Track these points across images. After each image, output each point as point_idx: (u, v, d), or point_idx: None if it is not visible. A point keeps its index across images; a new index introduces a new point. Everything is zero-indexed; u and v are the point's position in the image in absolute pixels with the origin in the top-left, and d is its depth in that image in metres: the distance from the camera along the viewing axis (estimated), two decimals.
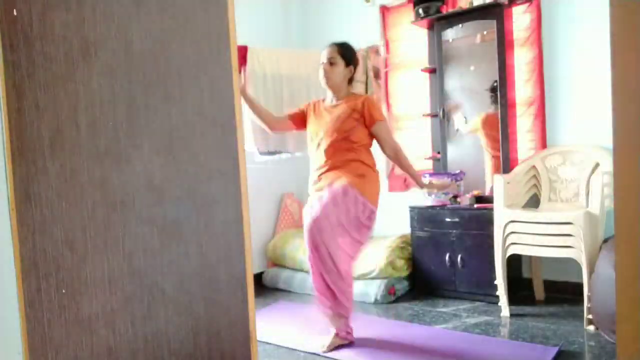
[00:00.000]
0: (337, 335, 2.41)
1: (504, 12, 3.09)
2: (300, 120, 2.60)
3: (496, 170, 3.19)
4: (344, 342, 2.42)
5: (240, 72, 2.36)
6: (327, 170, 2.38)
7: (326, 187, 2.33)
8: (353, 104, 2.38)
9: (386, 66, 3.76)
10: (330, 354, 2.35)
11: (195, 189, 1.43)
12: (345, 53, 2.42)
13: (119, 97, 1.26)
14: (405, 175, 3.60)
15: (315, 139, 2.44)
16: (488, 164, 3.29)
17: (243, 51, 3.15)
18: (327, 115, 2.42)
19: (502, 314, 2.79)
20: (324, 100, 2.55)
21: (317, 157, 2.44)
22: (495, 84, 3.17)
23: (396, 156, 2.42)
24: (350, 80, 2.49)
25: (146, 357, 1.32)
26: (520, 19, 3.15)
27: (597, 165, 2.77)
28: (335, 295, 2.29)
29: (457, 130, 3.39)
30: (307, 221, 2.26)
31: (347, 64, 2.43)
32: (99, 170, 1.22)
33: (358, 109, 2.35)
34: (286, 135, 3.38)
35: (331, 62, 2.39)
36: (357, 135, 2.35)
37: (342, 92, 2.45)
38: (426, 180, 2.95)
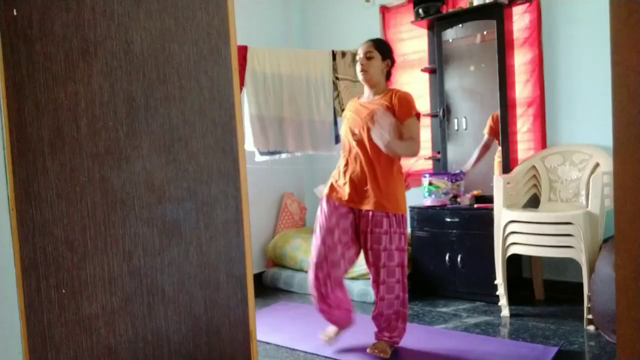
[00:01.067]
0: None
1: (504, 12, 3.09)
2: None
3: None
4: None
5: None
6: (353, 176, 2.33)
7: (353, 211, 2.35)
8: (388, 99, 2.32)
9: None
10: (330, 354, 2.35)
11: (195, 189, 1.43)
12: (381, 47, 2.38)
13: (119, 97, 1.26)
14: (405, 174, 3.60)
15: (349, 135, 2.37)
16: (496, 166, 3.26)
17: (243, 51, 3.15)
18: (364, 112, 2.35)
19: (502, 314, 2.79)
20: (359, 98, 2.49)
21: (351, 156, 2.37)
22: None
23: (412, 154, 2.33)
24: (388, 75, 2.44)
25: (146, 357, 1.32)
26: (520, 19, 3.15)
27: (597, 165, 2.78)
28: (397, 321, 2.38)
29: (457, 130, 3.39)
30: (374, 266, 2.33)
31: (384, 58, 2.38)
32: (99, 170, 1.22)
33: (393, 103, 2.29)
34: (286, 135, 3.38)
35: (368, 57, 2.34)
36: (394, 134, 2.26)
37: (380, 87, 2.39)
38: (422, 188, 2.98)
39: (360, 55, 2.38)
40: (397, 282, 2.31)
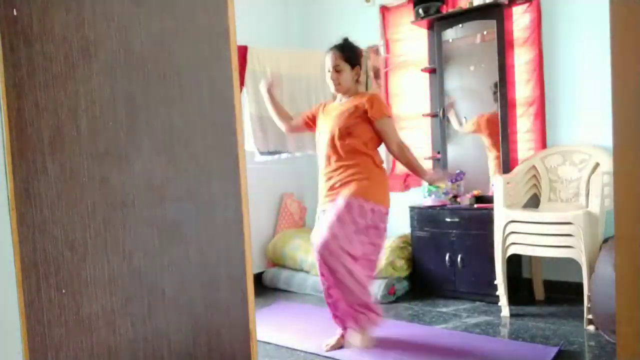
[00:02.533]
0: (342, 336, 2.44)
1: (504, 12, 3.09)
2: (312, 121, 2.61)
3: (498, 171, 3.19)
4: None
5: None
6: (333, 175, 2.37)
7: (329, 203, 2.34)
8: (359, 101, 2.37)
9: (386, 66, 3.76)
10: (330, 354, 2.35)
11: (195, 189, 1.43)
12: (348, 56, 2.40)
13: (119, 97, 1.26)
14: (405, 174, 3.61)
15: (322, 136, 2.43)
16: (491, 163, 3.29)
17: (243, 51, 3.15)
18: (333, 112, 2.43)
19: (502, 314, 2.79)
20: (333, 101, 2.58)
21: (323, 156, 2.42)
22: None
23: (401, 153, 2.37)
24: (358, 80, 2.48)
25: (146, 357, 1.32)
26: (520, 19, 3.15)
27: (597, 165, 2.78)
28: (355, 312, 2.30)
29: (457, 130, 3.39)
30: (315, 242, 2.25)
31: (353, 66, 2.42)
32: (99, 170, 1.22)
33: (362, 105, 2.34)
34: (286, 135, 3.38)
35: (337, 70, 2.39)
36: (360, 132, 2.33)
37: (351, 92, 2.46)
38: (421, 188, 2.98)
39: (328, 67, 2.41)
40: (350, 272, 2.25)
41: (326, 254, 2.21)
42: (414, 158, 2.41)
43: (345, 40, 2.46)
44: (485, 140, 3.30)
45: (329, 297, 2.37)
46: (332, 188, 2.36)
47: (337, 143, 2.34)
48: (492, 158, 3.28)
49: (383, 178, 2.40)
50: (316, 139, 2.52)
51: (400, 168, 3.62)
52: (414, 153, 2.42)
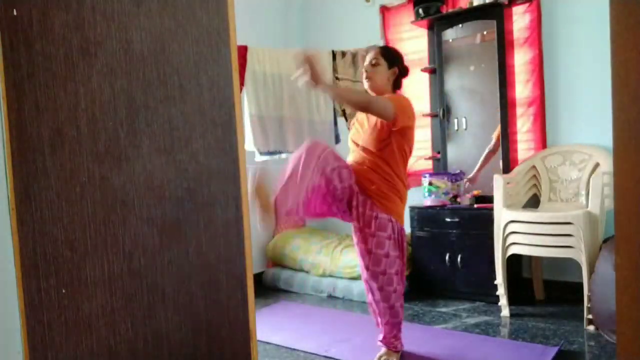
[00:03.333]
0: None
1: (504, 12, 3.09)
2: None
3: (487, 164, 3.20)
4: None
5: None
6: (366, 172, 2.19)
7: (357, 194, 2.17)
8: None
9: None
10: (330, 354, 2.35)
11: (195, 189, 1.43)
12: (389, 54, 2.27)
13: (119, 97, 1.26)
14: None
15: (352, 148, 2.29)
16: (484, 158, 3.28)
17: (243, 51, 3.15)
18: (366, 124, 2.25)
19: (502, 314, 2.79)
20: None
21: (354, 166, 2.24)
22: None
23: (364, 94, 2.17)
24: (397, 84, 2.33)
25: (146, 357, 1.32)
26: (520, 19, 3.15)
27: (597, 165, 2.78)
28: (392, 329, 2.26)
29: (457, 130, 3.39)
30: (362, 270, 2.21)
31: (391, 65, 2.25)
32: (99, 170, 1.22)
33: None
34: (286, 135, 3.38)
35: (373, 64, 2.23)
36: (392, 147, 2.16)
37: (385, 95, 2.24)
38: (421, 188, 2.96)
39: (366, 62, 2.27)
40: (381, 288, 2.19)
41: (373, 280, 2.16)
42: (347, 95, 2.18)
43: (391, 46, 2.35)
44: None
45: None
46: (366, 180, 2.19)
47: (373, 156, 2.18)
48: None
49: (402, 197, 2.27)
50: (349, 143, 2.33)
51: None
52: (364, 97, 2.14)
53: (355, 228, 2.22)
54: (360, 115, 2.35)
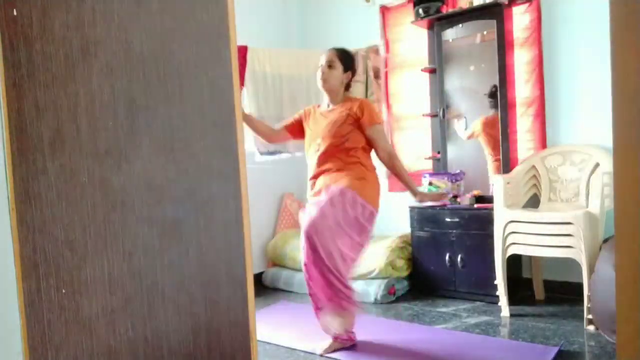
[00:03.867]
0: (335, 339, 2.38)
1: (504, 12, 3.09)
2: (296, 129, 2.58)
3: (498, 172, 3.20)
4: (344, 345, 2.39)
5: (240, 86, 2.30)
6: (324, 173, 2.36)
7: (323, 190, 2.31)
8: (349, 107, 2.37)
9: (386, 66, 3.76)
10: (330, 354, 2.35)
11: (195, 189, 1.43)
12: (345, 58, 2.44)
13: (119, 97, 1.26)
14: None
15: (313, 145, 2.42)
16: (490, 166, 3.29)
17: (243, 51, 3.15)
18: (324, 121, 2.41)
19: (502, 314, 2.79)
20: (319, 106, 2.55)
21: (314, 163, 2.42)
22: (494, 89, 3.17)
23: (390, 161, 2.38)
24: (347, 87, 2.50)
25: (146, 357, 1.32)
26: (520, 19, 3.15)
27: (597, 165, 2.78)
28: (333, 293, 2.22)
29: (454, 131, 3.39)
30: (304, 223, 2.23)
31: (346, 69, 2.44)
32: (99, 170, 1.22)
33: (354, 112, 2.35)
34: None
35: (330, 65, 2.41)
36: (354, 140, 2.35)
37: (339, 97, 2.46)
38: (421, 188, 3.04)
39: (322, 63, 2.42)
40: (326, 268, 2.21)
41: (312, 231, 2.15)
42: (403, 170, 2.40)
43: (345, 48, 2.52)
44: (484, 144, 3.30)
45: (311, 289, 2.29)
46: (322, 181, 2.35)
47: (330, 152, 2.34)
48: (491, 161, 3.28)
49: (376, 181, 2.40)
50: (306, 145, 2.49)
51: None
52: (403, 161, 2.44)
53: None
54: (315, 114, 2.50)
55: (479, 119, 3.31)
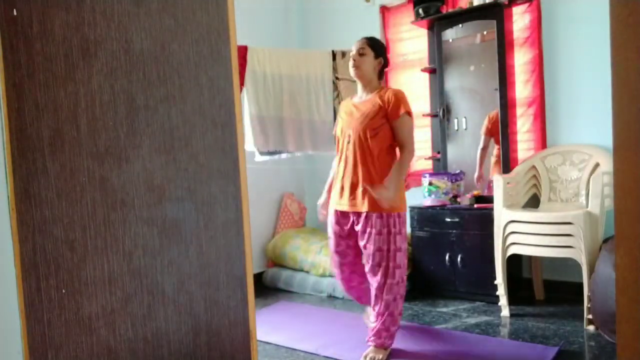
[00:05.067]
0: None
1: (504, 12, 3.09)
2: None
3: (498, 170, 3.20)
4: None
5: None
6: (354, 177, 2.31)
7: (351, 214, 2.33)
8: (380, 97, 2.31)
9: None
10: (330, 354, 2.35)
11: (195, 189, 1.43)
12: (375, 45, 2.41)
13: (119, 97, 1.26)
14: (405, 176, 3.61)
15: (345, 138, 2.37)
16: (494, 160, 3.28)
17: (243, 51, 3.15)
18: (356, 112, 2.36)
19: (502, 314, 2.79)
20: (352, 98, 2.50)
21: (341, 159, 2.39)
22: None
23: (401, 154, 2.31)
24: (381, 74, 2.46)
25: (146, 357, 1.32)
26: (520, 19, 3.15)
27: (597, 165, 2.78)
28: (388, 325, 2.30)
29: (457, 130, 3.39)
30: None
31: (377, 56, 2.40)
32: (99, 170, 1.22)
33: (385, 102, 2.29)
34: (286, 135, 3.38)
35: (360, 53, 2.38)
36: (383, 135, 2.29)
37: (373, 85, 2.41)
38: (422, 188, 3.11)
39: (353, 51, 2.41)
40: (386, 283, 2.26)
41: (375, 269, 2.27)
42: (403, 166, 2.32)
43: (375, 37, 2.49)
44: (494, 142, 3.29)
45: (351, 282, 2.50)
46: (353, 191, 2.31)
47: (364, 144, 2.29)
48: (494, 155, 3.28)
49: (402, 183, 2.36)
50: (339, 135, 2.44)
51: None
52: (409, 165, 2.38)
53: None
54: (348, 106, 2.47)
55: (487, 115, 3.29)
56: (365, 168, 2.28)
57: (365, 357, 2.26)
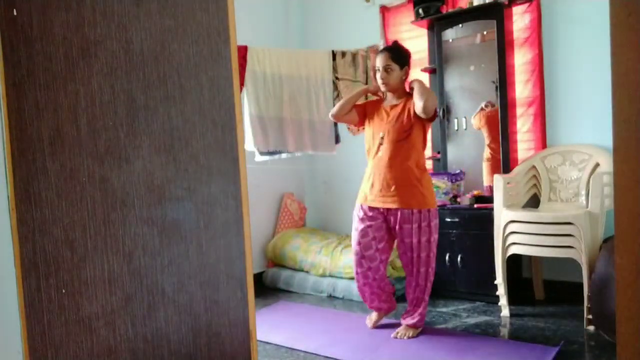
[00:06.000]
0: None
1: (504, 12, 3.09)
2: (362, 114, 2.69)
3: (492, 171, 3.20)
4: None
5: None
6: (379, 179, 2.51)
7: (381, 203, 2.52)
8: (409, 101, 2.51)
9: None
10: (329, 354, 2.35)
11: (195, 189, 1.43)
12: (398, 57, 2.53)
13: (119, 97, 1.26)
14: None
15: (377, 139, 2.55)
16: (485, 164, 3.30)
17: (243, 51, 3.15)
18: (387, 116, 2.55)
19: (502, 314, 2.79)
20: (382, 101, 2.66)
21: (372, 159, 2.57)
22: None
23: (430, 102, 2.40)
24: (407, 79, 2.60)
25: (146, 357, 1.32)
26: (520, 19, 3.15)
27: (597, 165, 2.78)
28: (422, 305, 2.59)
29: (457, 130, 3.39)
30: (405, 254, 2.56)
31: (402, 67, 2.55)
32: (99, 170, 1.22)
33: (409, 107, 2.48)
34: (286, 135, 3.38)
35: (387, 70, 2.51)
36: (415, 135, 2.48)
37: (400, 91, 2.58)
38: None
39: (379, 67, 2.54)
40: (425, 271, 2.52)
41: (416, 260, 2.51)
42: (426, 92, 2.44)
43: (395, 43, 2.62)
44: (486, 137, 3.30)
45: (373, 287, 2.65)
46: (387, 188, 2.50)
47: (394, 148, 2.48)
48: (488, 157, 3.29)
49: (428, 177, 2.58)
50: (368, 139, 2.62)
51: None
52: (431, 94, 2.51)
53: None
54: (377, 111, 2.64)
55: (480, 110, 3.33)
56: (396, 167, 2.48)
57: (397, 333, 2.54)
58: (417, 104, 2.38)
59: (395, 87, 2.55)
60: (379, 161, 2.52)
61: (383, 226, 2.56)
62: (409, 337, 2.51)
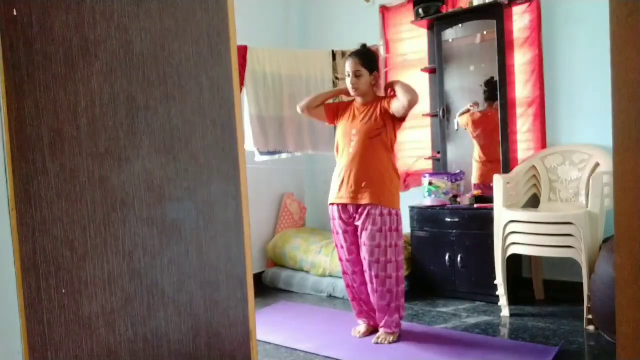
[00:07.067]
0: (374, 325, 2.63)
1: (504, 12, 3.09)
2: (333, 113, 2.69)
3: (482, 179, 3.22)
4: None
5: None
6: (358, 172, 2.47)
7: (351, 206, 2.48)
8: (381, 102, 2.52)
9: (386, 66, 3.76)
10: (329, 354, 2.35)
11: (195, 189, 1.43)
12: (367, 62, 2.53)
13: (119, 97, 1.26)
14: (405, 174, 3.62)
15: (348, 136, 2.54)
16: (475, 167, 3.33)
17: (243, 51, 3.15)
18: (360, 115, 2.55)
19: (502, 314, 2.79)
20: (354, 101, 2.66)
21: (344, 156, 2.54)
22: (492, 79, 3.19)
23: (410, 101, 2.37)
24: (377, 83, 2.60)
25: (146, 357, 1.32)
26: (520, 19, 3.15)
27: (597, 165, 2.78)
28: (393, 312, 2.52)
29: (457, 129, 3.40)
30: (365, 255, 2.47)
31: (371, 72, 2.54)
32: (99, 170, 1.22)
33: (384, 106, 2.48)
34: (286, 135, 3.38)
35: (357, 75, 2.51)
36: (386, 134, 2.48)
37: (371, 94, 2.58)
38: (422, 187, 3.18)
39: (349, 73, 2.53)
40: (387, 277, 2.44)
41: (375, 265, 2.44)
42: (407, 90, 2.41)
43: (364, 47, 2.61)
44: (475, 143, 3.32)
45: (360, 294, 2.62)
46: (357, 184, 2.46)
47: (367, 143, 2.46)
48: (478, 162, 3.31)
49: (397, 179, 2.57)
50: (340, 137, 2.60)
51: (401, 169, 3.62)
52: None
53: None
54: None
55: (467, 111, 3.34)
56: (367, 164, 2.45)
57: (378, 338, 2.50)
58: (402, 99, 2.36)
59: (364, 92, 2.54)
60: (351, 158, 2.49)
61: (355, 228, 2.52)
62: (389, 342, 2.46)
